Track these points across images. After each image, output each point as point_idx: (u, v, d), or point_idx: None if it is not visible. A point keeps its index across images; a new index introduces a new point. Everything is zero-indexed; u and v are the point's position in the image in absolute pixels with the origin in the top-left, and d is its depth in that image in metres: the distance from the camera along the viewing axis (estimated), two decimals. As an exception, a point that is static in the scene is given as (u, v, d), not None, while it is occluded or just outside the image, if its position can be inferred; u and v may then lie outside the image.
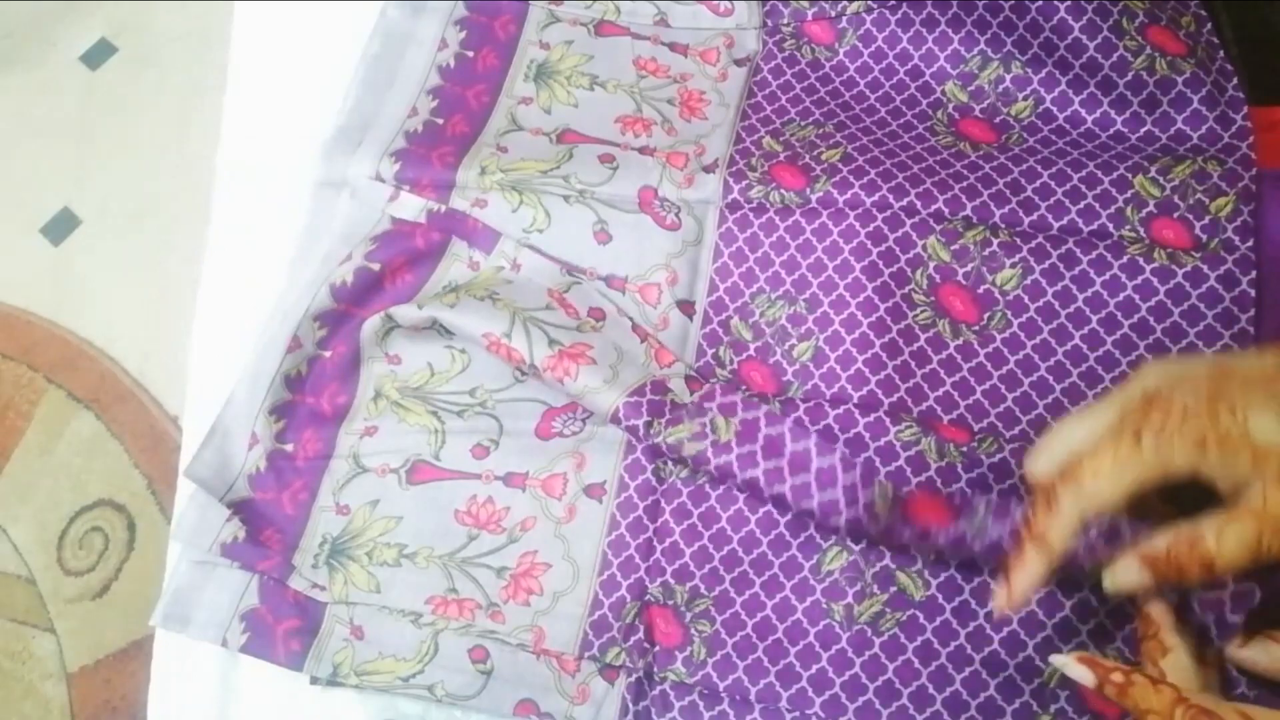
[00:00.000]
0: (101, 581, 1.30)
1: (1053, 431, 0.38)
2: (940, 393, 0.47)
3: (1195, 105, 0.48)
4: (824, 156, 0.52)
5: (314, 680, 0.49)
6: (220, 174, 0.64)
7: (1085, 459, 0.35)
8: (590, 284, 0.52)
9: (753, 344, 0.50)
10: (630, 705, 0.45)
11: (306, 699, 0.50)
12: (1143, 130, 0.49)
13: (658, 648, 0.46)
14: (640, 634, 0.46)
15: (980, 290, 0.48)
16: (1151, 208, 0.47)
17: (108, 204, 1.54)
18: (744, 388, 0.49)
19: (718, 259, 0.52)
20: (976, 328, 0.48)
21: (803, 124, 0.54)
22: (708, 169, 0.52)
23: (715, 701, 0.45)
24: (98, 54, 1.62)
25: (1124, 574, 0.36)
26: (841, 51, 0.55)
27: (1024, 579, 0.36)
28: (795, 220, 0.51)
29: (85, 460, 1.37)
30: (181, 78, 1.57)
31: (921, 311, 0.48)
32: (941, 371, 0.47)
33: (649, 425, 0.46)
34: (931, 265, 0.49)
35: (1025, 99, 0.51)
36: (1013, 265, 0.48)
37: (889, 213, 0.49)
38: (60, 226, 1.53)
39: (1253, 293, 0.45)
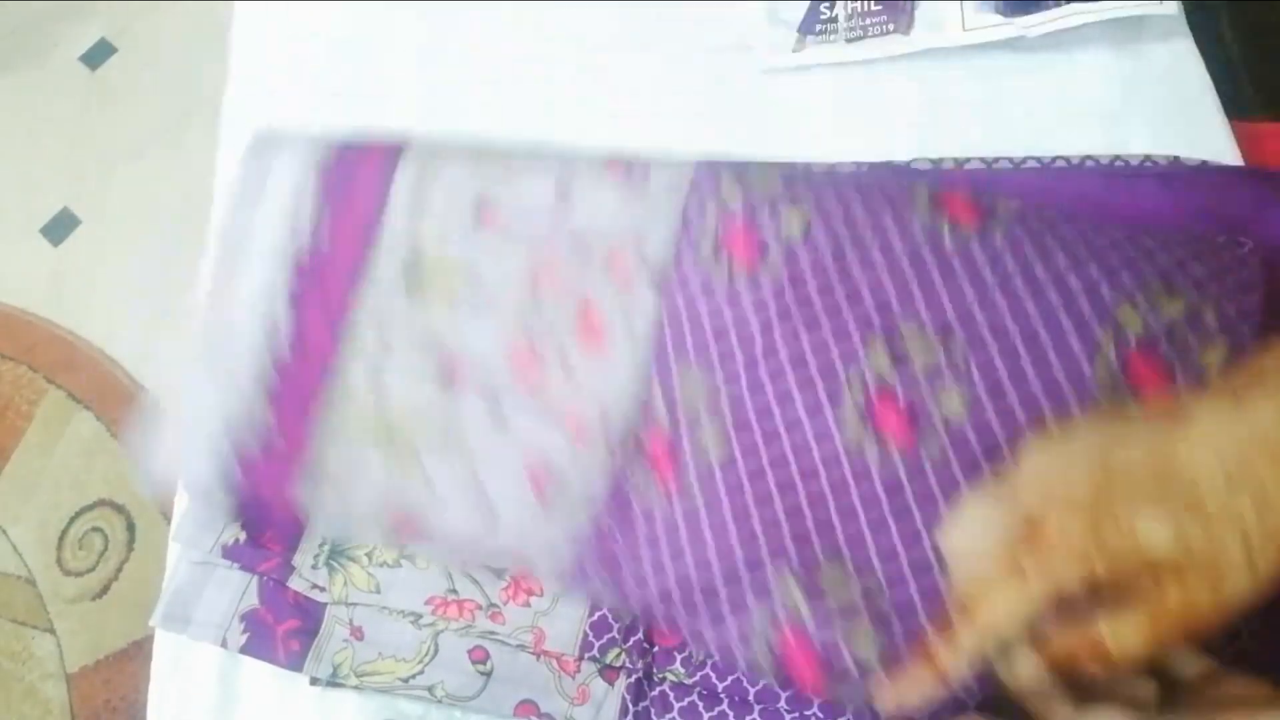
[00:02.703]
0: (101, 582, 1.30)
1: (960, 511, 0.37)
2: (852, 529, 0.43)
3: None
4: (784, 223, 0.47)
5: (314, 681, 0.49)
6: (221, 174, 0.64)
7: (977, 592, 0.34)
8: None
9: (666, 427, 0.46)
10: (630, 706, 0.45)
11: (306, 699, 0.50)
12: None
13: (657, 648, 0.46)
14: (639, 635, 0.46)
15: (921, 413, 0.43)
16: (1131, 344, 0.42)
17: (108, 204, 1.54)
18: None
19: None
20: (910, 454, 0.43)
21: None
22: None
23: (715, 702, 0.45)
24: (98, 54, 1.62)
25: (1022, 666, 0.35)
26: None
27: (911, 694, 0.36)
28: (741, 310, 0.46)
29: (85, 460, 1.37)
30: (181, 78, 1.57)
31: (852, 430, 0.44)
32: (859, 505, 0.43)
33: None
34: (871, 380, 0.44)
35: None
36: (960, 391, 0.43)
37: (836, 321, 0.45)
38: (60, 226, 1.53)
39: None
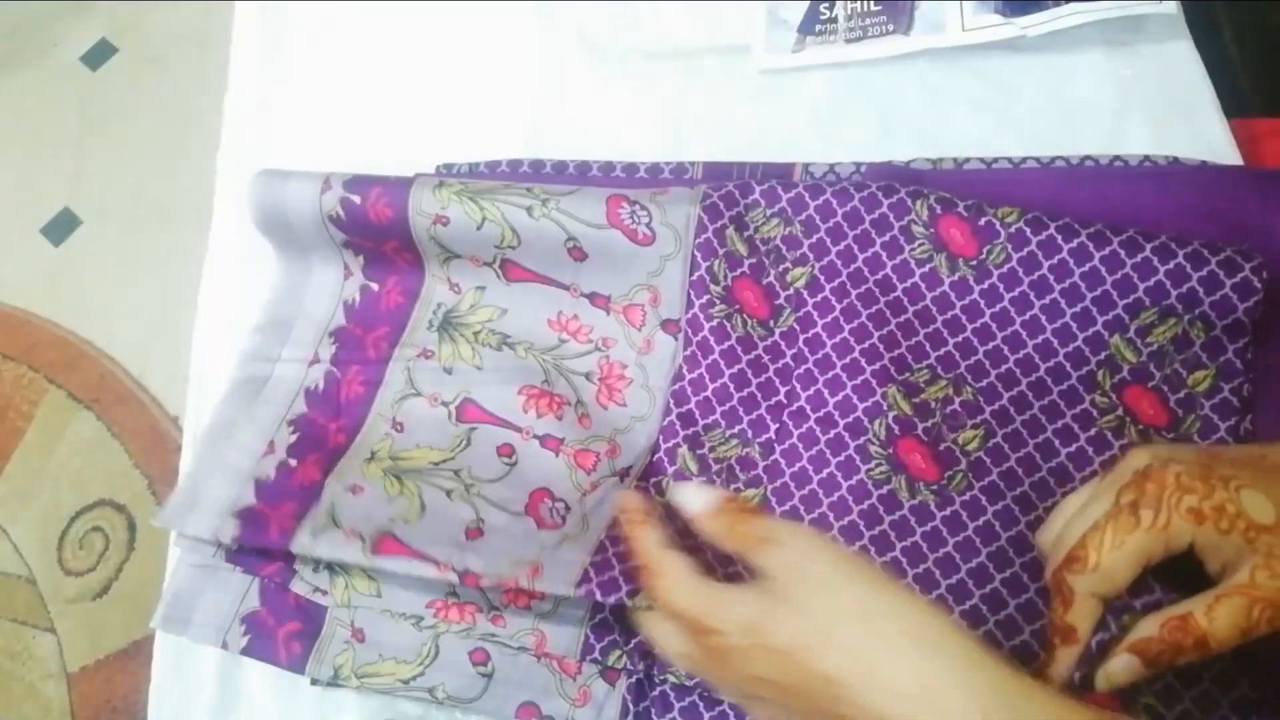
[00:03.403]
0: (101, 581, 1.30)
1: (1058, 509, 0.39)
2: (888, 557, 0.44)
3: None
4: (790, 278, 0.50)
5: (314, 681, 0.49)
6: (221, 174, 0.64)
7: (1088, 539, 0.35)
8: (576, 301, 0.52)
9: (695, 479, 0.47)
10: (631, 706, 0.45)
11: (306, 699, 0.50)
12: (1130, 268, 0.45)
13: (659, 650, 0.46)
14: (641, 636, 0.46)
15: (941, 448, 0.45)
16: (1125, 374, 0.45)
17: (108, 204, 1.54)
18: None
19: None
20: (935, 486, 0.45)
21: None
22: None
23: (715, 702, 0.45)
24: (98, 54, 1.62)
25: (1119, 669, 0.35)
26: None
27: (1060, 675, 0.36)
28: (757, 355, 0.49)
29: (85, 460, 1.37)
30: (181, 78, 1.58)
31: (877, 466, 0.46)
32: (892, 534, 0.44)
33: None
34: (891, 416, 0.46)
35: (1013, 206, 0.47)
36: (974, 426, 0.45)
37: (849, 359, 0.47)
38: (60, 226, 1.54)
39: None
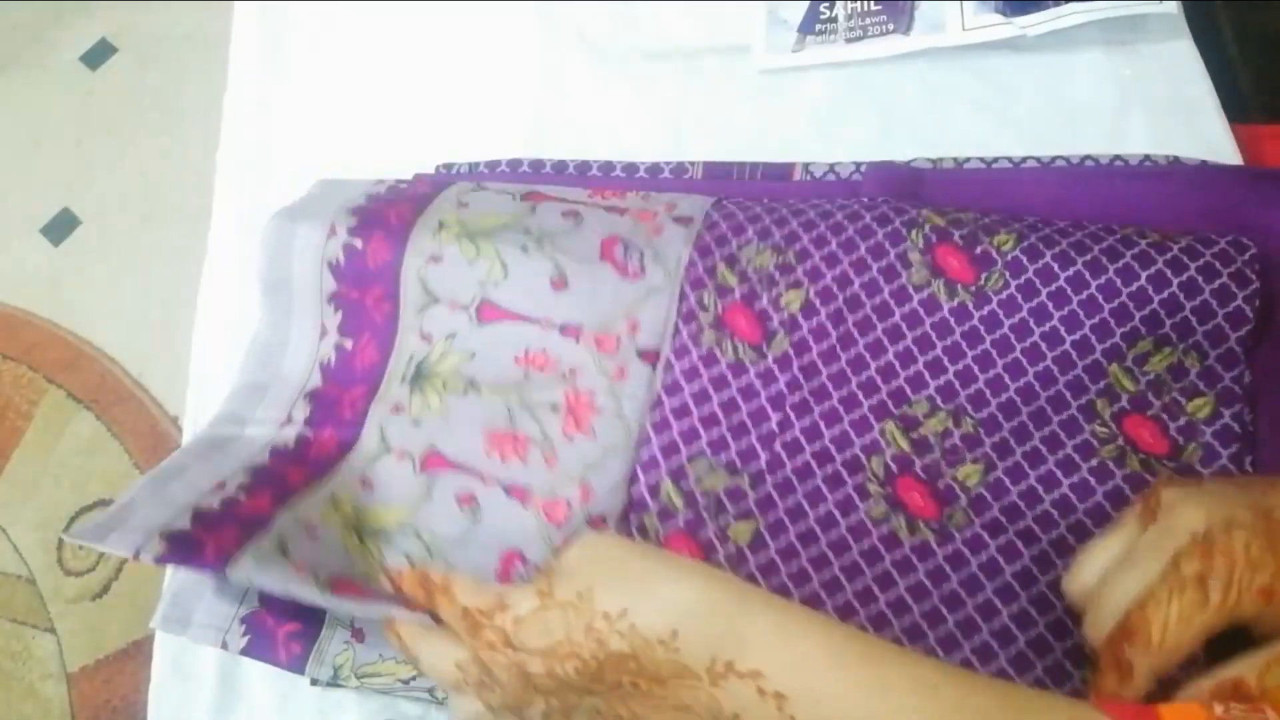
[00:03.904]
0: (101, 581, 1.30)
1: (1088, 554, 0.37)
2: (891, 595, 0.42)
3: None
4: (784, 301, 0.48)
5: (314, 681, 0.49)
6: (221, 174, 0.64)
7: (1149, 612, 0.33)
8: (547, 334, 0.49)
9: (682, 514, 0.45)
10: (631, 707, 0.45)
11: (306, 699, 0.50)
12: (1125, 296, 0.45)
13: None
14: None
15: (940, 484, 0.44)
16: (1124, 403, 0.44)
17: (108, 204, 1.54)
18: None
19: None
20: (935, 525, 0.44)
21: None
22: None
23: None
24: (98, 54, 1.62)
25: None
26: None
27: None
28: (749, 382, 0.47)
29: (85, 460, 1.37)
30: (181, 78, 1.57)
31: (876, 505, 0.45)
32: (894, 572, 0.43)
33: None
34: (889, 453, 0.45)
35: (1009, 232, 0.47)
36: (974, 460, 0.45)
37: (845, 390, 0.46)
38: (60, 226, 1.54)
39: None
